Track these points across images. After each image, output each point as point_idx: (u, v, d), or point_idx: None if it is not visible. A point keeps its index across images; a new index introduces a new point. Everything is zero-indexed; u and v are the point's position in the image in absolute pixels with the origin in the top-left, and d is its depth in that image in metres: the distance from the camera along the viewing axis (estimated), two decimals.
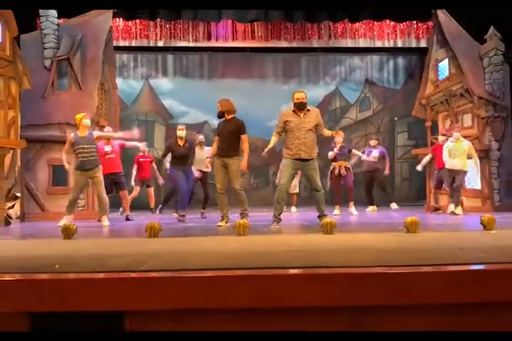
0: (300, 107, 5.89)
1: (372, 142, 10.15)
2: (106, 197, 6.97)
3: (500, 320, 2.25)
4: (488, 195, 9.36)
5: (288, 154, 5.92)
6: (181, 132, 7.53)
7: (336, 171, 8.97)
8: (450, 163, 8.13)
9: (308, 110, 5.94)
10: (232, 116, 6.41)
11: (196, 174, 8.50)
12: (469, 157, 8.18)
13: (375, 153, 9.82)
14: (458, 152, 8.09)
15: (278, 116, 6.12)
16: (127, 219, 7.85)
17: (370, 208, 9.88)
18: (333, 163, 9.12)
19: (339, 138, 8.79)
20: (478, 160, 8.32)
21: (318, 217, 6.02)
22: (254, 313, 2.23)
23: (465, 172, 8.23)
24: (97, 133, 7.19)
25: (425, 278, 2.28)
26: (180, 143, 7.51)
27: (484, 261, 2.57)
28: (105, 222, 6.90)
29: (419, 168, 9.58)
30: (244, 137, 6.34)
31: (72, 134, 6.94)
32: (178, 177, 7.43)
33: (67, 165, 6.98)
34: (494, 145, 9.37)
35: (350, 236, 4.50)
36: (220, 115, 6.45)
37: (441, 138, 9.21)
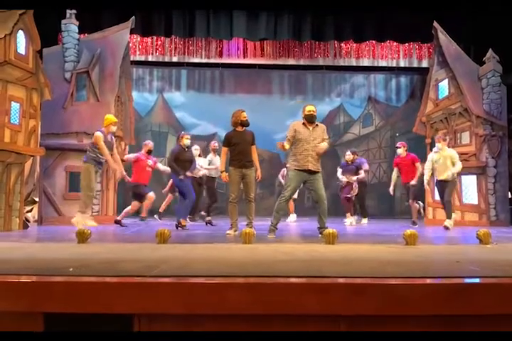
0: (310, 120, 5.92)
1: (348, 157, 9.64)
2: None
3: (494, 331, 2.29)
4: (485, 209, 9.54)
5: (295, 165, 5.87)
6: (187, 141, 7.63)
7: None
8: (436, 172, 7.92)
9: (316, 125, 5.98)
10: (245, 128, 6.52)
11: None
12: (453, 164, 7.82)
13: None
14: (441, 161, 7.84)
15: (289, 126, 6.02)
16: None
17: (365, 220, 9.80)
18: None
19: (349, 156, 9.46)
20: (459, 167, 7.82)
21: (318, 228, 5.96)
22: (256, 319, 2.29)
23: (453, 183, 7.92)
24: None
25: (423, 290, 2.30)
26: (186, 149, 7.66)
27: (479, 274, 2.59)
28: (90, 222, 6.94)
29: (391, 190, 9.15)
30: (255, 147, 6.45)
31: (101, 134, 7.07)
32: (186, 184, 7.49)
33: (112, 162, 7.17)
34: (491, 162, 9.59)
35: (350, 247, 4.48)
36: (248, 124, 6.53)
37: (399, 150, 9.09)
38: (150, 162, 8.29)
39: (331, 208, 10.39)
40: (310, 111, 5.94)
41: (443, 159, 7.86)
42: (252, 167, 6.37)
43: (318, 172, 5.92)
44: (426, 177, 8.12)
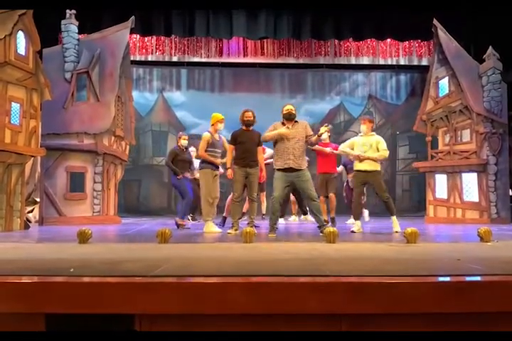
0: (288, 118, 6.02)
1: None
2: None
3: (494, 329, 2.30)
4: (486, 207, 9.53)
5: (278, 165, 5.94)
6: (184, 141, 7.66)
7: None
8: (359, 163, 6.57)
9: (296, 122, 6.06)
10: (252, 127, 6.60)
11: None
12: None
13: None
14: (366, 147, 6.53)
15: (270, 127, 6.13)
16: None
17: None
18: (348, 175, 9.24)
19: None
20: (386, 153, 6.54)
21: (318, 227, 6.00)
22: (257, 319, 2.29)
23: (380, 174, 6.61)
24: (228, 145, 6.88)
25: (425, 288, 2.30)
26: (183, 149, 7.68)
27: (480, 272, 2.61)
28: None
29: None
30: (261, 148, 6.52)
31: (209, 134, 6.88)
32: (183, 184, 7.52)
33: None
34: (492, 160, 9.58)
35: (351, 246, 4.50)
36: (252, 124, 6.57)
37: (324, 135, 6.96)
38: None
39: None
40: (288, 109, 6.08)
41: (369, 145, 6.54)
42: (256, 166, 6.41)
43: (301, 170, 5.93)
44: (348, 152, 6.75)
